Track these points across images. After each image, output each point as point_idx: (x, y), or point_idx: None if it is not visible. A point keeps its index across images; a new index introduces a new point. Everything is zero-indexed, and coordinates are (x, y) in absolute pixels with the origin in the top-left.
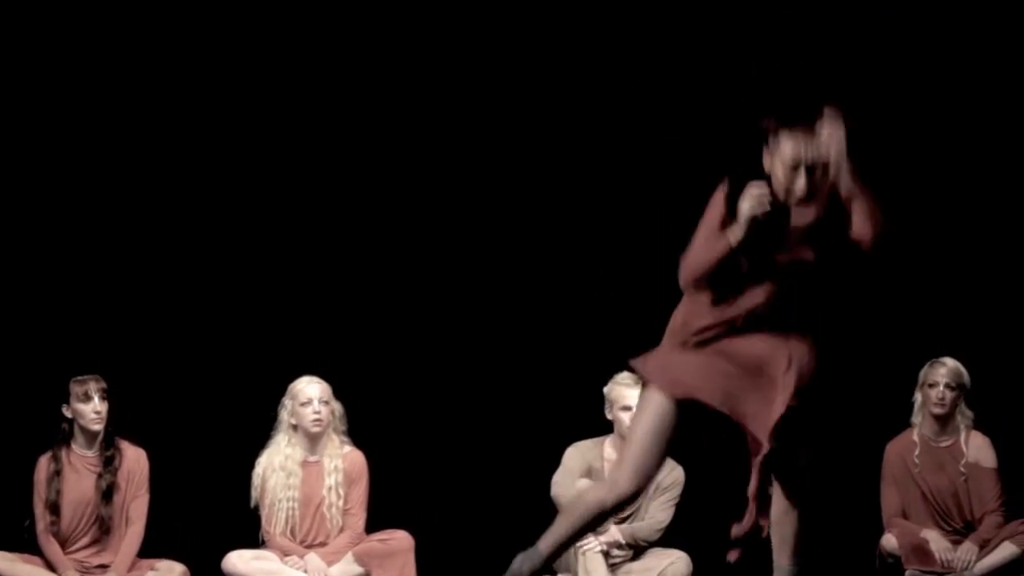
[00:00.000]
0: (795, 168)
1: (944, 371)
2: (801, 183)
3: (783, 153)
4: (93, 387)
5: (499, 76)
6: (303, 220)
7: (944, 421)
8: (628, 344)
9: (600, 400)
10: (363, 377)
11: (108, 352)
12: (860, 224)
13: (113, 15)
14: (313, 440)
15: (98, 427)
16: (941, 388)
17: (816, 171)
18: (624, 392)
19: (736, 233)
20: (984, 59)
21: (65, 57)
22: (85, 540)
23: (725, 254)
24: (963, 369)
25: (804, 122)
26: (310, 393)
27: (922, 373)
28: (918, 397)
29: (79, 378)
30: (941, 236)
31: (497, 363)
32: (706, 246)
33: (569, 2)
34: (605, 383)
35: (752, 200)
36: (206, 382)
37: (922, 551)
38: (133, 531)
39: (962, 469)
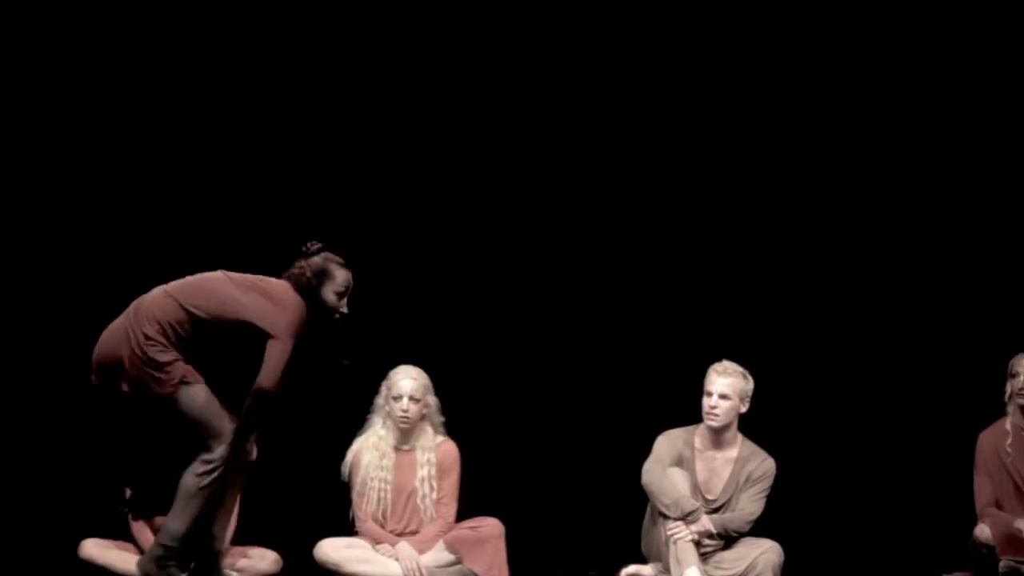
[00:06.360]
0: (345, 293)
1: None
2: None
3: (336, 281)
4: None
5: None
6: (444, 210)
7: None
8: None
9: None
10: (461, 367)
11: None
12: None
13: None
14: (404, 432)
15: None
16: (1022, 378)
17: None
18: (709, 376)
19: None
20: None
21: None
22: None
23: None
24: None
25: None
26: (402, 388)
27: (1011, 363)
28: (1008, 387)
29: None
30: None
31: (590, 357)
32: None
33: None
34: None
35: None
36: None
37: (1017, 541)
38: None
39: None
